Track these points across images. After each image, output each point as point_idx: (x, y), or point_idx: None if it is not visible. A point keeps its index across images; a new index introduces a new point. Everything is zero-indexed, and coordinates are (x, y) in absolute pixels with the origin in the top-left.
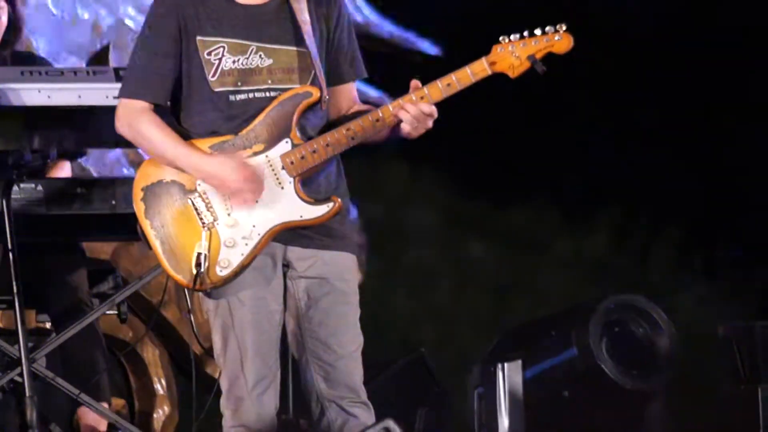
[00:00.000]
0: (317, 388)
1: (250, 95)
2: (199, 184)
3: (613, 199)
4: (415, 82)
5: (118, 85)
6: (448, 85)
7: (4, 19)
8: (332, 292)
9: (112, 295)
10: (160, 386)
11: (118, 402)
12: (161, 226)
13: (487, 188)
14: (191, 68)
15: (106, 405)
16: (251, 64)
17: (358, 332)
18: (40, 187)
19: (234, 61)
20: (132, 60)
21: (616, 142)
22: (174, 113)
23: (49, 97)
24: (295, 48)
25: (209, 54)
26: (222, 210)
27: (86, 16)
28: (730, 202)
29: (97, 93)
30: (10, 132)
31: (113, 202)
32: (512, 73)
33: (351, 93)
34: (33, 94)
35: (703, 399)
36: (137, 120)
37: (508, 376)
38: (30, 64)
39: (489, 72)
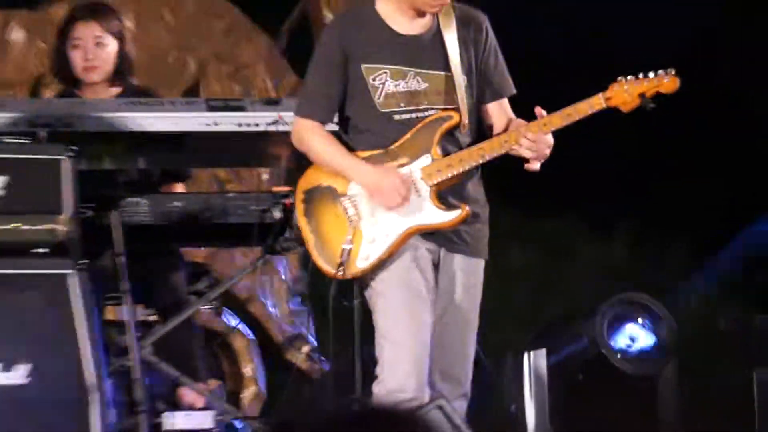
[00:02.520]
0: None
1: (412, 115)
2: (350, 189)
3: (631, 212)
4: (539, 110)
5: (210, 114)
6: (569, 115)
7: (113, 50)
8: (461, 297)
9: (207, 293)
10: (247, 370)
11: (213, 383)
12: (315, 224)
13: (523, 200)
14: (357, 91)
15: (202, 385)
16: (411, 87)
17: (474, 336)
18: (144, 201)
19: (396, 85)
20: (305, 83)
21: (632, 164)
22: (342, 126)
23: (151, 124)
24: (444, 73)
25: (374, 79)
26: (367, 212)
27: (181, 54)
28: (734, 215)
29: (192, 121)
30: (120, 154)
31: (207, 215)
32: (625, 108)
33: (503, 109)
34: (139, 121)
35: (706, 385)
36: (308, 136)
37: (534, 363)
38: (141, 95)
39: (604, 106)
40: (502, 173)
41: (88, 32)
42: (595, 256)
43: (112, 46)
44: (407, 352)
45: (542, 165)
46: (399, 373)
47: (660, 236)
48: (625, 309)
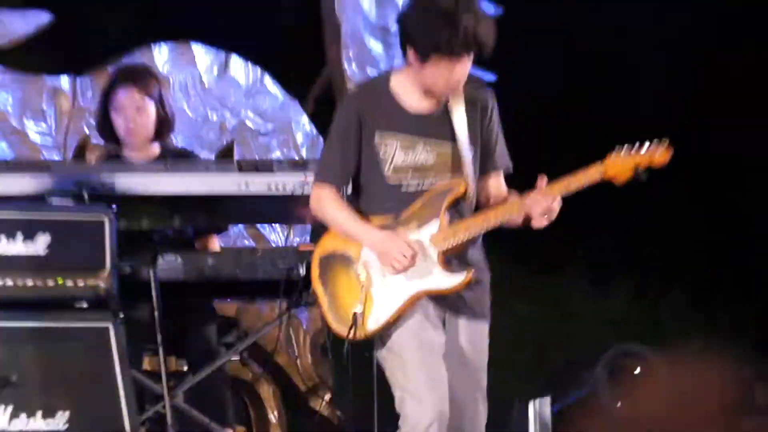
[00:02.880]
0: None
1: (419, 187)
2: (362, 256)
3: (629, 269)
4: (541, 179)
5: (242, 175)
6: (567, 185)
7: (152, 114)
8: (469, 359)
9: (236, 345)
10: (273, 416)
11: (240, 429)
12: (330, 288)
13: (526, 259)
14: (369, 160)
15: (230, 431)
16: (419, 160)
17: (484, 395)
18: (179, 259)
19: (405, 157)
20: (323, 150)
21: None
22: (354, 190)
23: (186, 186)
24: (451, 147)
25: (384, 151)
26: (378, 276)
27: (214, 117)
28: (727, 269)
29: (224, 181)
30: (155, 214)
31: (237, 271)
32: (619, 180)
33: (498, 181)
34: (173, 183)
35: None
36: (324, 202)
37: (539, 410)
38: (180, 158)
39: (599, 179)
40: (508, 233)
41: (129, 98)
42: (595, 310)
43: (151, 109)
44: (428, 405)
45: (546, 229)
46: (422, 426)
47: (655, 290)
48: (623, 359)
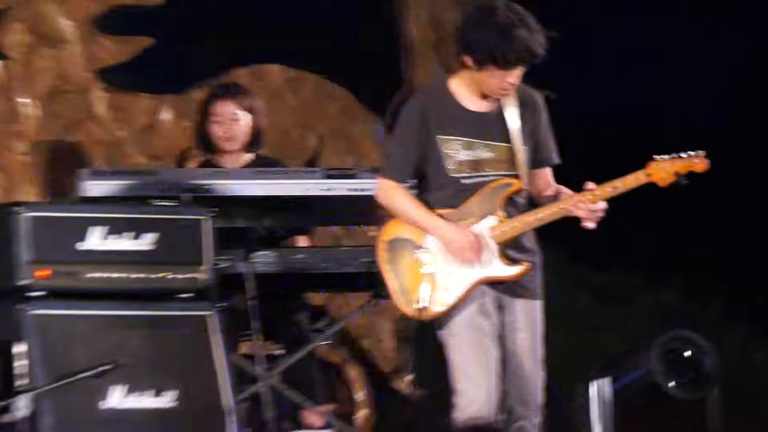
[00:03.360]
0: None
1: (477, 179)
2: (426, 242)
3: (678, 263)
4: (588, 185)
5: (327, 181)
6: (615, 188)
7: (246, 124)
8: (525, 334)
9: (325, 331)
10: (358, 396)
11: (329, 407)
12: (396, 271)
13: (589, 255)
14: (432, 157)
15: (321, 409)
16: (477, 156)
17: (538, 362)
18: (271, 254)
19: (465, 154)
20: (388, 147)
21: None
22: (418, 185)
23: (277, 189)
24: (506, 145)
25: (446, 148)
26: (442, 263)
27: (303, 131)
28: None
29: (312, 186)
30: (249, 214)
31: (325, 265)
32: (662, 184)
33: (547, 176)
34: (265, 187)
35: (744, 410)
36: (390, 194)
37: (600, 391)
38: (269, 165)
39: (645, 181)
40: (569, 235)
41: (225, 109)
42: (647, 300)
43: (245, 120)
44: (480, 384)
45: (603, 227)
46: (474, 402)
47: (702, 282)
48: (675, 344)
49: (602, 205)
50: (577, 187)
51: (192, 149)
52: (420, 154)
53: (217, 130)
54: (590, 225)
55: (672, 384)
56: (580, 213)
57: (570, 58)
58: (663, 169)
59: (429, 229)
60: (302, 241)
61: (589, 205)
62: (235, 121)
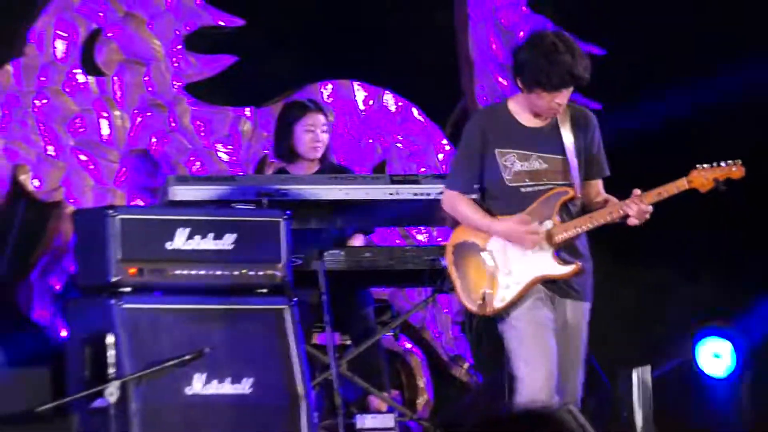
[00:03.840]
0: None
1: (533, 189)
2: (489, 245)
3: (715, 260)
4: (636, 191)
5: (393, 186)
6: (659, 194)
7: (328, 136)
8: (571, 333)
9: (390, 322)
10: (421, 383)
11: (394, 392)
12: (462, 272)
13: (632, 252)
14: (492, 169)
15: (386, 394)
16: (533, 167)
17: (582, 361)
18: (342, 253)
19: (521, 165)
20: (453, 162)
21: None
22: (480, 195)
23: (347, 193)
24: (560, 157)
25: (504, 160)
26: (502, 264)
27: (370, 141)
28: None
29: (378, 191)
30: (322, 216)
31: (390, 263)
32: (702, 190)
33: (598, 186)
34: (336, 192)
35: None
36: (455, 203)
37: (641, 377)
38: (338, 172)
39: (687, 187)
40: (615, 234)
41: (318, 120)
42: (686, 294)
43: (327, 132)
44: (539, 370)
45: (646, 230)
46: (533, 387)
47: (737, 277)
48: (711, 334)
49: (650, 207)
50: (626, 195)
51: (268, 157)
52: (482, 166)
53: (308, 139)
54: (636, 222)
55: (709, 370)
56: (631, 211)
57: (618, 75)
58: (703, 177)
59: (491, 230)
60: (360, 241)
61: (641, 205)
62: (323, 133)
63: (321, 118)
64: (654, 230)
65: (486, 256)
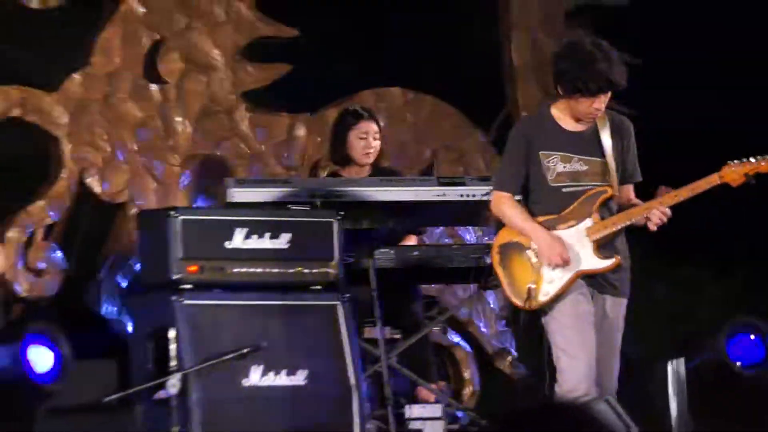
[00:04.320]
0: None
1: (574, 189)
2: (532, 245)
3: (745, 257)
4: (663, 188)
5: (440, 188)
6: (693, 189)
7: (379, 141)
8: (608, 327)
9: (437, 317)
10: (467, 374)
11: (441, 383)
12: (507, 269)
13: (666, 250)
14: (536, 171)
15: (434, 385)
16: (575, 169)
17: (617, 353)
18: (392, 252)
19: (564, 167)
20: (500, 166)
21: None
22: (524, 195)
23: (397, 195)
24: (600, 159)
25: (548, 162)
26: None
27: (419, 145)
28: None
29: (427, 192)
30: (374, 217)
31: (438, 261)
32: (733, 184)
33: (629, 191)
34: (387, 194)
35: None
36: (501, 205)
37: (676, 369)
38: (387, 175)
39: (719, 182)
40: (651, 236)
41: (371, 128)
42: (717, 290)
43: (378, 139)
44: (579, 361)
45: (677, 228)
46: (574, 378)
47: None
48: (741, 329)
49: (668, 212)
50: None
51: (322, 161)
52: (526, 169)
53: (361, 145)
54: (653, 228)
55: (738, 365)
56: (654, 219)
57: (652, 79)
58: (734, 172)
59: (530, 236)
60: (411, 241)
61: (662, 208)
62: (375, 139)
63: (374, 126)
64: (687, 228)
65: (531, 253)
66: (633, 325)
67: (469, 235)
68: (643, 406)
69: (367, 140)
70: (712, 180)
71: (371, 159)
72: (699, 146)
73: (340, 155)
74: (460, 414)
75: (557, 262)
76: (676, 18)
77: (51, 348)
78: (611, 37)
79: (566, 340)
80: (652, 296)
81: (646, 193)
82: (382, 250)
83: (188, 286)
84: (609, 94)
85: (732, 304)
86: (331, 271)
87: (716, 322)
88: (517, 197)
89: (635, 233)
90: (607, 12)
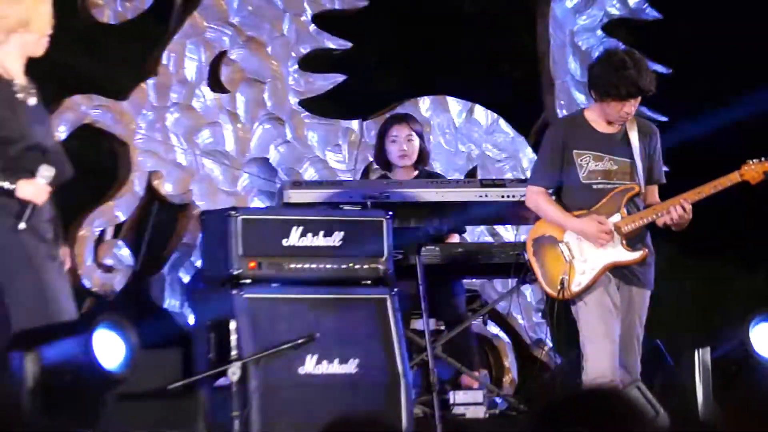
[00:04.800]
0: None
1: (604, 186)
2: (565, 237)
3: None
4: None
5: (483, 189)
6: (714, 186)
7: (417, 145)
8: (633, 315)
9: (479, 310)
10: (506, 363)
11: (483, 371)
12: (541, 261)
13: (693, 246)
14: (569, 169)
15: (476, 373)
16: (605, 167)
17: (640, 339)
18: (437, 248)
19: (595, 165)
20: (536, 162)
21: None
22: (557, 192)
23: (442, 196)
24: (629, 160)
25: (581, 160)
26: (578, 253)
27: (462, 148)
28: None
29: (470, 194)
30: (420, 216)
31: (480, 257)
32: (753, 182)
33: (654, 191)
34: (432, 195)
35: None
36: (537, 199)
37: (702, 358)
38: (434, 177)
39: (739, 180)
40: (681, 232)
41: (402, 131)
42: (744, 284)
43: (416, 141)
44: (603, 349)
45: (706, 226)
46: (598, 365)
47: None
48: (766, 319)
49: (689, 208)
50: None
51: (372, 164)
52: (560, 166)
53: (394, 149)
54: (668, 221)
55: (762, 355)
56: (673, 216)
57: (680, 89)
58: (754, 170)
59: (566, 225)
60: (456, 237)
61: (685, 204)
62: (409, 141)
63: (405, 129)
64: (715, 225)
65: (563, 246)
66: (664, 315)
67: (508, 232)
68: (672, 391)
69: (397, 143)
70: (733, 177)
71: (408, 161)
72: (722, 151)
73: (381, 159)
74: (499, 400)
75: (604, 238)
76: (705, 30)
77: (119, 338)
78: (645, 49)
79: (591, 330)
80: (683, 290)
81: (670, 196)
82: (428, 247)
83: (247, 281)
84: (638, 99)
85: (757, 297)
86: (380, 266)
87: (741, 313)
88: (551, 191)
89: (668, 233)
90: (642, 25)
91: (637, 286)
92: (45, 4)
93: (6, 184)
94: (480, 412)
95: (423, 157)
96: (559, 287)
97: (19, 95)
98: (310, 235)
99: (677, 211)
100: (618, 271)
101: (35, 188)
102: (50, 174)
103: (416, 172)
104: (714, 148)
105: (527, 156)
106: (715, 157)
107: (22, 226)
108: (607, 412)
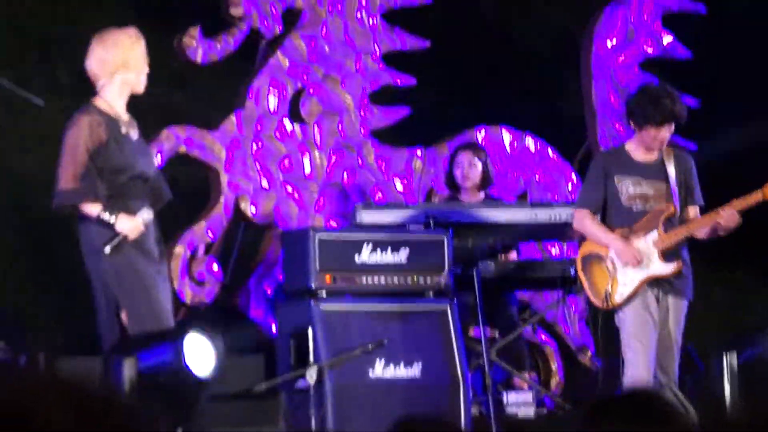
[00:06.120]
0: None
1: (642, 208)
2: (610, 254)
3: None
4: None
5: (533, 210)
6: (742, 202)
7: (479, 170)
8: (671, 324)
9: (529, 319)
10: (553, 366)
11: (532, 374)
12: (588, 275)
13: (723, 258)
14: (612, 192)
15: (527, 375)
16: (644, 192)
17: (679, 346)
18: (492, 264)
19: (634, 190)
20: (582, 188)
21: None
22: (602, 214)
23: (497, 217)
24: (665, 185)
25: (621, 186)
26: (620, 267)
27: (515, 174)
28: None
29: (521, 214)
30: (477, 235)
31: (530, 271)
32: None
33: (695, 212)
34: (489, 215)
35: None
36: (583, 221)
37: (730, 361)
38: (493, 200)
39: (761, 198)
40: (708, 245)
41: (465, 158)
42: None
43: (478, 167)
44: (642, 356)
45: (731, 239)
46: (637, 370)
47: None
48: None
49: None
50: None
51: (435, 188)
52: (604, 191)
53: (458, 174)
54: (723, 228)
55: None
56: (721, 219)
57: (710, 120)
58: None
59: (609, 246)
60: (512, 255)
61: (726, 220)
62: (471, 167)
63: (468, 156)
64: (742, 238)
65: (608, 262)
66: (694, 322)
67: (555, 249)
68: (702, 393)
69: (462, 168)
70: (756, 197)
71: (469, 184)
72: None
73: (449, 182)
74: (547, 400)
75: (633, 262)
76: (732, 67)
77: (209, 345)
78: (675, 82)
79: (631, 338)
80: (711, 298)
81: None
82: (485, 262)
83: (323, 294)
84: (672, 125)
85: None
86: (442, 280)
87: (766, 320)
88: (597, 213)
89: (698, 246)
90: (674, 63)
91: (675, 297)
92: (139, 44)
93: (106, 216)
94: (530, 412)
95: (485, 180)
96: (604, 298)
97: (124, 130)
98: (379, 251)
99: (727, 220)
100: (656, 283)
101: (133, 225)
102: (149, 217)
103: (482, 194)
104: (741, 171)
105: (572, 179)
106: (741, 179)
107: (107, 250)
108: (648, 412)
